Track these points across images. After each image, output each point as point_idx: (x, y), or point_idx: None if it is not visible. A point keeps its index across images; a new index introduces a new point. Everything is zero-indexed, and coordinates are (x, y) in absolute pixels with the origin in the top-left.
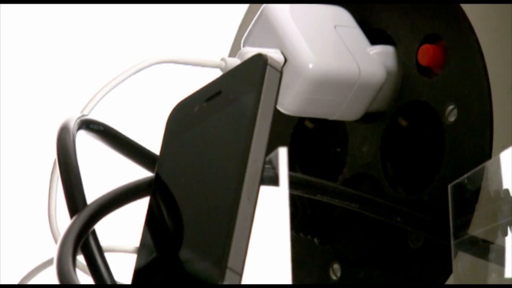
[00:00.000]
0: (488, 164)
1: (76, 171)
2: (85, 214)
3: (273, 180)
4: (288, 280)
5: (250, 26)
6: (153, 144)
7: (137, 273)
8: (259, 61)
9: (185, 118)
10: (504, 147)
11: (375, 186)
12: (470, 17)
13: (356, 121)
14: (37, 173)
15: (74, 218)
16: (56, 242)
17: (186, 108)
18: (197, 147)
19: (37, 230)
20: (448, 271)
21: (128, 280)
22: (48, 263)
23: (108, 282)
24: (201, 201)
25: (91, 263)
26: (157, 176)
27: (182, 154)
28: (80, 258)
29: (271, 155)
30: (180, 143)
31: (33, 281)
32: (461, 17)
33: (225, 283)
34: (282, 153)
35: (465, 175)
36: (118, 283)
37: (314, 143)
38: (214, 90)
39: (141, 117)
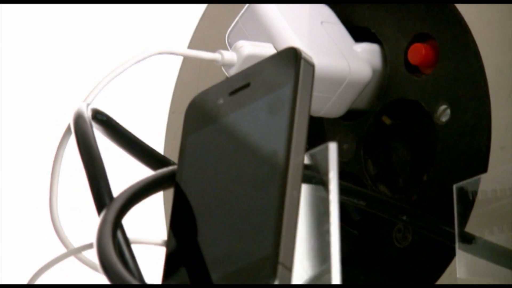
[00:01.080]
0: (494, 172)
1: (100, 161)
2: (117, 206)
3: (314, 177)
4: (337, 280)
5: (237, 18)
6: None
7: (168, 269)
8: (292, 54)
9: (208, 111)
10: (503, 148)
11: (356, 184)
12: (466, 17)
13: (335, 118)
14: (38, 168)
15: (105, 210)
16: (58, 236)
17: (208, 100)
18: (226, 140)
19: (39, 228)
20: (439, 272)
21: (155, 274)
22: (55, 261)
23: (136, 275)
24: (236, 195)
25: (119, 256)
26: (180, 167)
27: (208, 147)
28: (89, 254)
29: (315, 150)
30: (205, 135)
31: (40, 279)
32: (454, 16)
33: (278, 278)
34: (332, 148)
35: (473, 178)
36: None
37: None
38: (240, 83)
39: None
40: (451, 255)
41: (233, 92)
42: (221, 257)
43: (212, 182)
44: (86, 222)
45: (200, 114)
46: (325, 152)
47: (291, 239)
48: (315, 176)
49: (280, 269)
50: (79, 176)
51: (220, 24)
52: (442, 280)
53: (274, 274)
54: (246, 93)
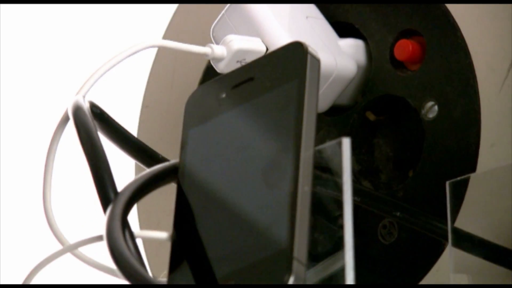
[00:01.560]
0: (485, 170)
1: (103, 155)
2: (123, 200)
3: (325, 172)
4: (351, 280)
5: (223, 12)
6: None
7: (174, 264)
8: (299, 49)
9: (210, 104)
10: (493, 146)
11: None
12: (454, 13)
13: (318, 113)
14: (32, 163)
15: (112, 204)
16: (53, 232)
17: (209, 94)
18: (231, 134)
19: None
20: (426, 268)
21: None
22: (51, 258)
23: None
24: (244, 190)
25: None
26: (183, 162)
27: (211, 141)
28: (87, 251)
29: (325, 145)
30: (207, 129)
31: (37, 277)
32: (442, 13)
33: (293, 273)
34: (346, 143)
35: (464, 176)
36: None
37: None
38: (244, 77)
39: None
40: (438, 251)
41: (236, 86)
42: (232, 252)
43: (217, 177)
44: (80, 219)
45: (201, 108)
46: (336, 148)
47: (304, 235)
48: (324, 172)
49: (295, 264)
50: (74, 171)
51: (195, 18)
52: (429, 276)
53: (289, 270)
54: (250, 87)
